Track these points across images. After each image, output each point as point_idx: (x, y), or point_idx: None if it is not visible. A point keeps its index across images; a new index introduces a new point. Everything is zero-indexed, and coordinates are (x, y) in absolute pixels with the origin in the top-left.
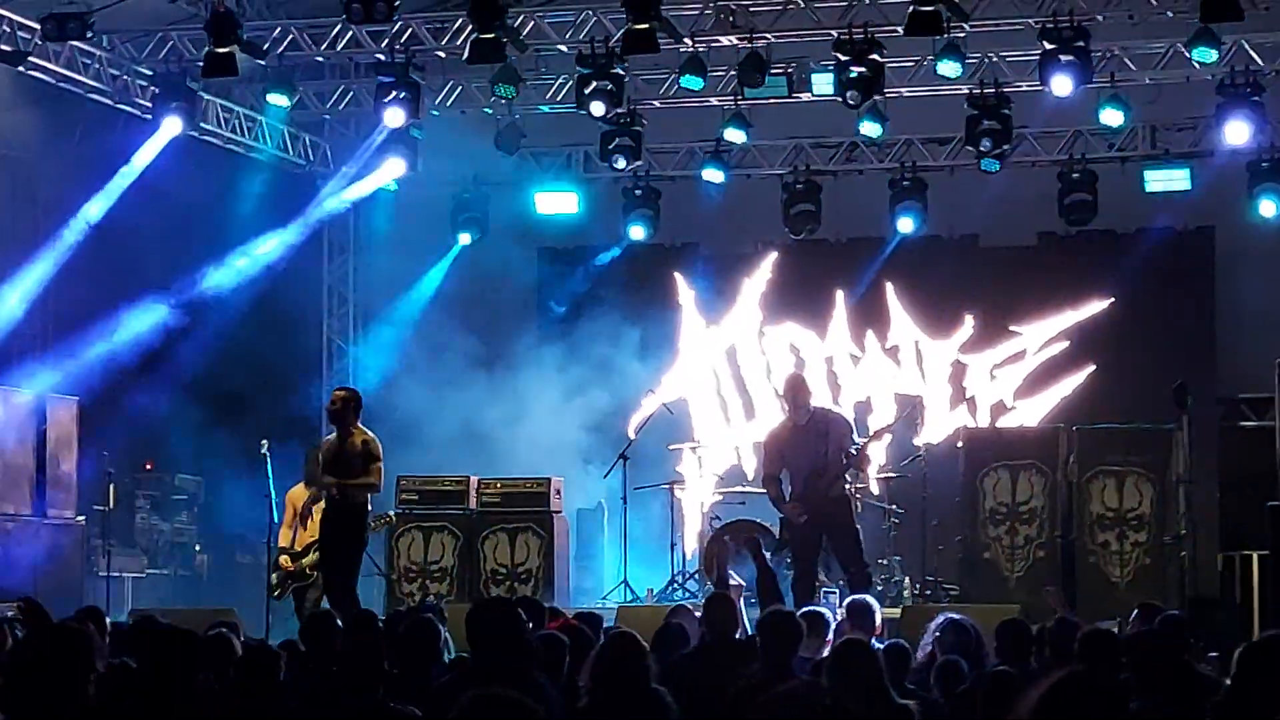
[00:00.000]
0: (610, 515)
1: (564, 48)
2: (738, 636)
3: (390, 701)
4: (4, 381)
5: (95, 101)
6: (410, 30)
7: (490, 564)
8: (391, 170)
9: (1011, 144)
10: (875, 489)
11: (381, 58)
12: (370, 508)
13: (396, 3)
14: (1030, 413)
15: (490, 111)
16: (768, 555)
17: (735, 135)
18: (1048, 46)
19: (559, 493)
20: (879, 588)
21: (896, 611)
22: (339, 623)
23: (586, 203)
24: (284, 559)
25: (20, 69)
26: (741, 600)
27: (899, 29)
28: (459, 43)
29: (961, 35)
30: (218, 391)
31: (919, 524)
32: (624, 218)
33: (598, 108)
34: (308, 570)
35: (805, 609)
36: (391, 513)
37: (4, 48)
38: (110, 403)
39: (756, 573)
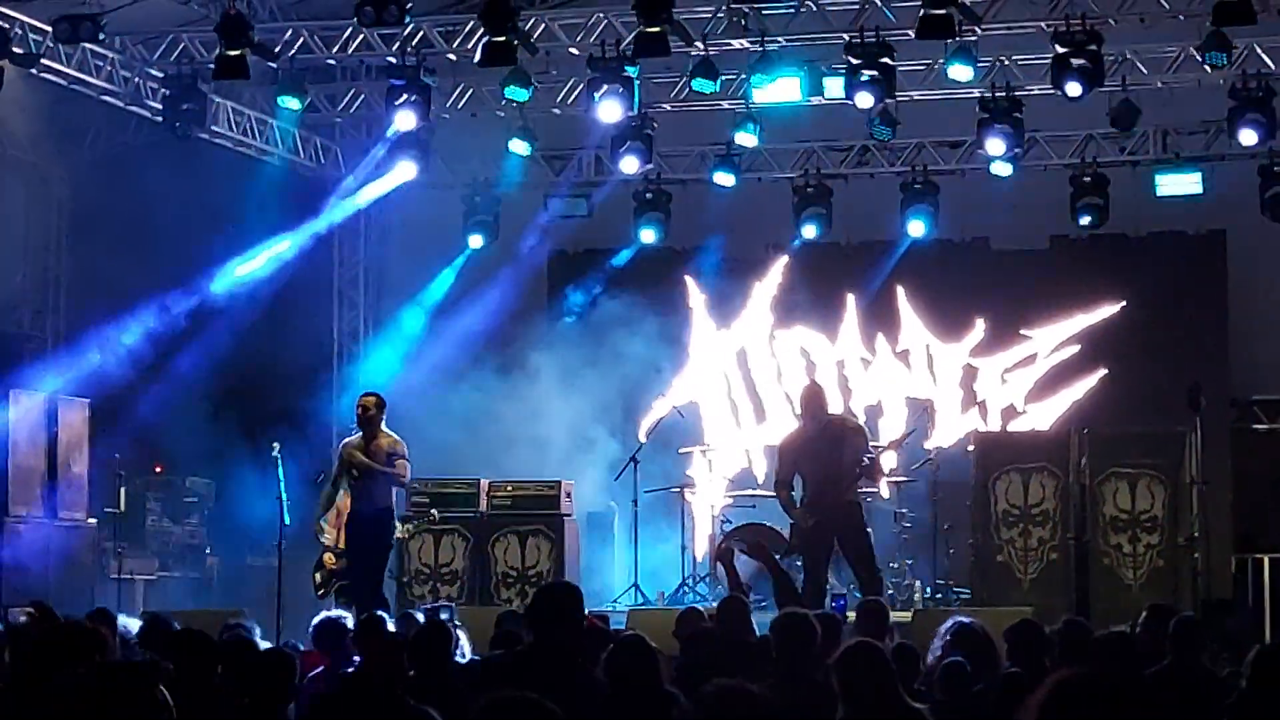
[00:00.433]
0: (621, 518)
1: (575, 50)
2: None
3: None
4: (15, 383)
5: (107, 103)
6: (421, 33)
7: (501, 566)
8: (402, 173)
9: (1023, 147)
10: (886, 493)
11: (393, 60)
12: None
13: (408, 5)
14: (1041, 416)
15: (502, 114)
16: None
17: (746, 138)
18: (1059, 50)
19: (569, 495)
20: (890, 591)
21: (908, 615)
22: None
23: (597, 206)
24: (328, 556)
25: (32, 71)
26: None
27: (910, 32)
28: (470, 46)
29: (973, 39)
30: (228, 394)
31: (930, 527)
32: (635, 221)
33: (609, 111)
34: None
35: (817, 613)
36: (435, 512)
37: (16, 50)
38: (121, 405)
39: (772, 579)
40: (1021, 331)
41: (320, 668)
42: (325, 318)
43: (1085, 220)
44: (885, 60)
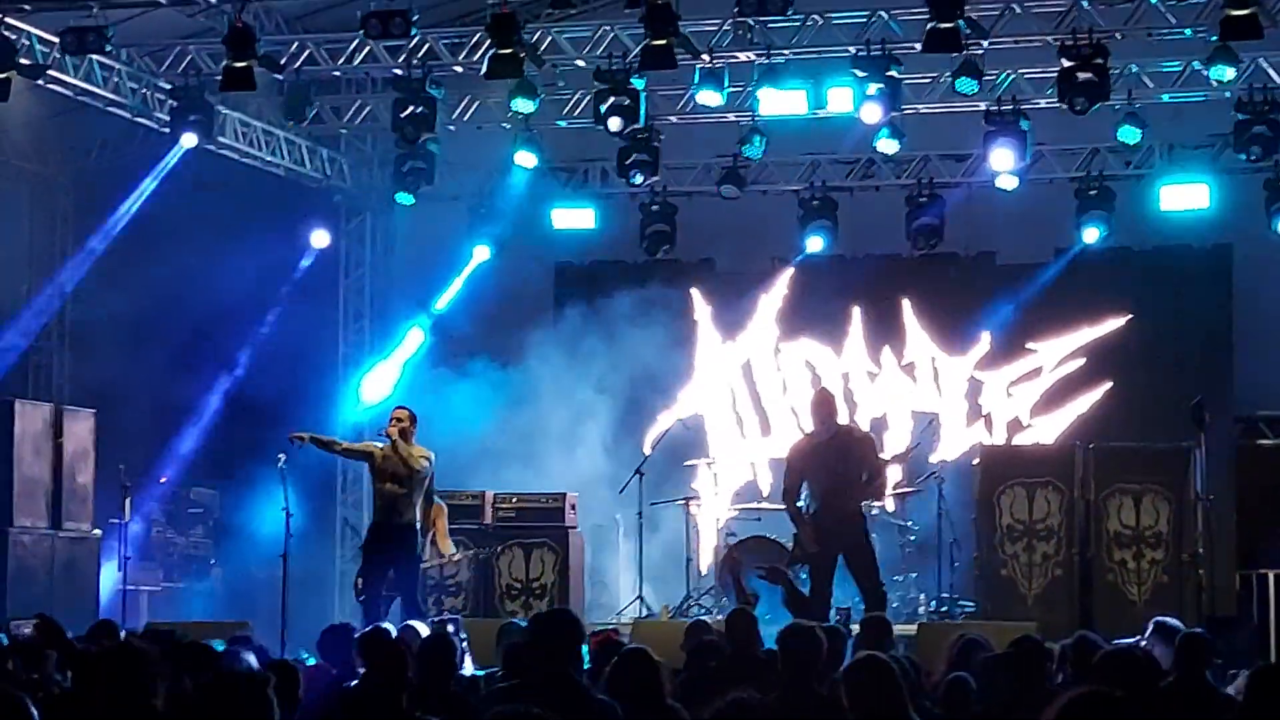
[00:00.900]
0: (625, 531)
1: (581, 63)
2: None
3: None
4: (21, 394)
5: (113, 115)
6: (428, 45)
7: (505, 579)
8: (408, 186)
9: (1029, 161)
10: (891, 506)
11: (399, 73)
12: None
13: (414, 18)
14: (1046, 430)
15: (508, 127)
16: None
17: (752, 151)
18: (1065, 64)
19: (574, 508)
20: (895, 604)
21: (912, 628)
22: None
23: (603, 218)
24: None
25: (39, 82)
26: None
27: (917, 45)
28: (476, 58)
29: (979, 52)
30: (234, 405)
31: (935, 541)
32: (641, 233)
33: (615, 123)
34: None
35: (824, 625)
36: (459, 555)
37: (23, 61)
38: (126, 415)
39: (785, 596)
40: (1027, 345)
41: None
42: (331, 328)
43: (1091, 234)
44: (891, 73)
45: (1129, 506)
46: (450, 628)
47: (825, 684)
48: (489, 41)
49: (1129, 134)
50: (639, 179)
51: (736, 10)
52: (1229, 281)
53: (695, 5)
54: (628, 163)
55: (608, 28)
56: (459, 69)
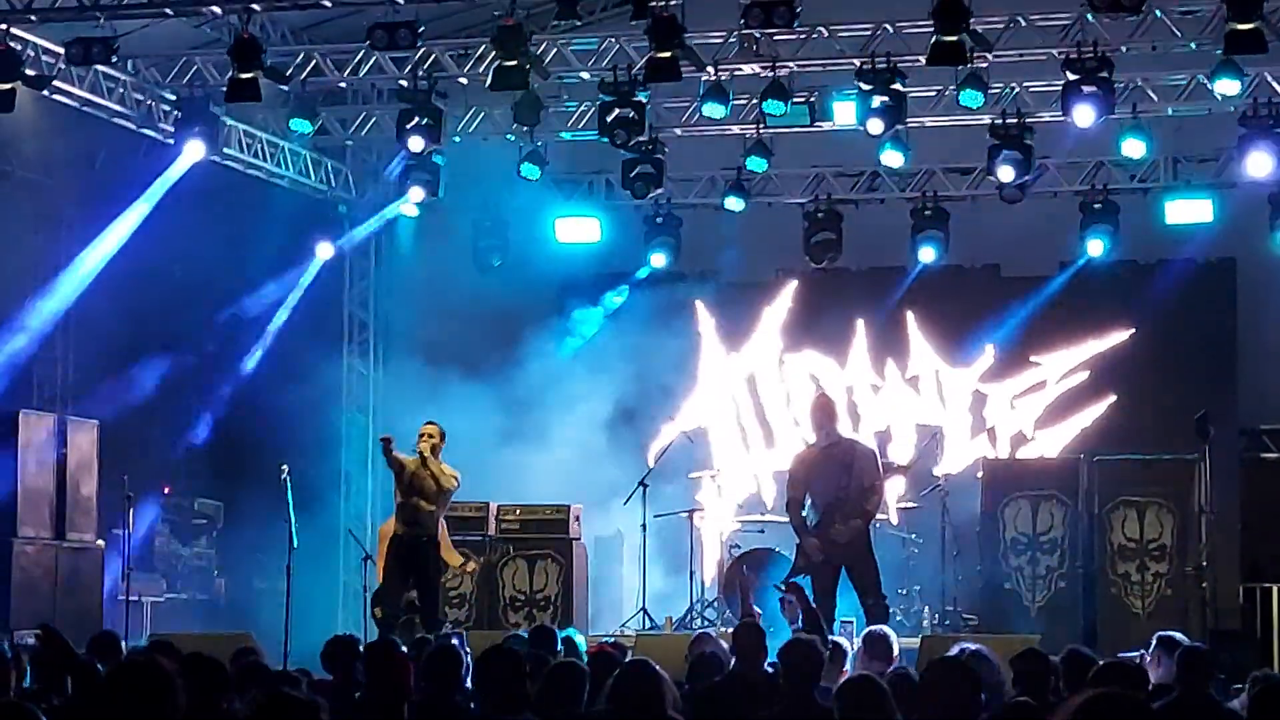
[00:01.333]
0: (629, 543)
1: (586, 75)
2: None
3: None
4: (25, 405)
5: (119, 126)
6: (433, 57)
7: (509, 590)
8: (413, 197)
9: (1033, 174)
10: (895, 519)
11: (404, 84)
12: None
13: (420, 29)
14: (1050, 443)
15: (513, 138)
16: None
17: (757, 164)
18: (1070, 77)
19: (578, 520)
20: (898, 617)
21: (916, 641)
22: (360, 648)
23: (608, 230)
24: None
25: (44, 93)
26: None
27: (921, 58)
28: (482, 70)
29: (984, 65)
30: (237, 416)
31: (939, 554)
32: (645, 245)
33: (620, 135)
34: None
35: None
36: (472, 564)
37: (28, 72)
38: (130, 427)
39: (803, 615)
40: (1031, 358)
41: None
42: (335, 340)
43: (1095, 247)
44: (896, 86)
45: (1133, 519)
46: (454, 641)
47: (828, 698)
48: (494, 53)
49: (1134, 147)
50: (644, 191)
51: (742, 23)
52: (1233, 295)
53: (700, 18)
54: (632, 175)
55: (613, 40)
56: (464, 80)
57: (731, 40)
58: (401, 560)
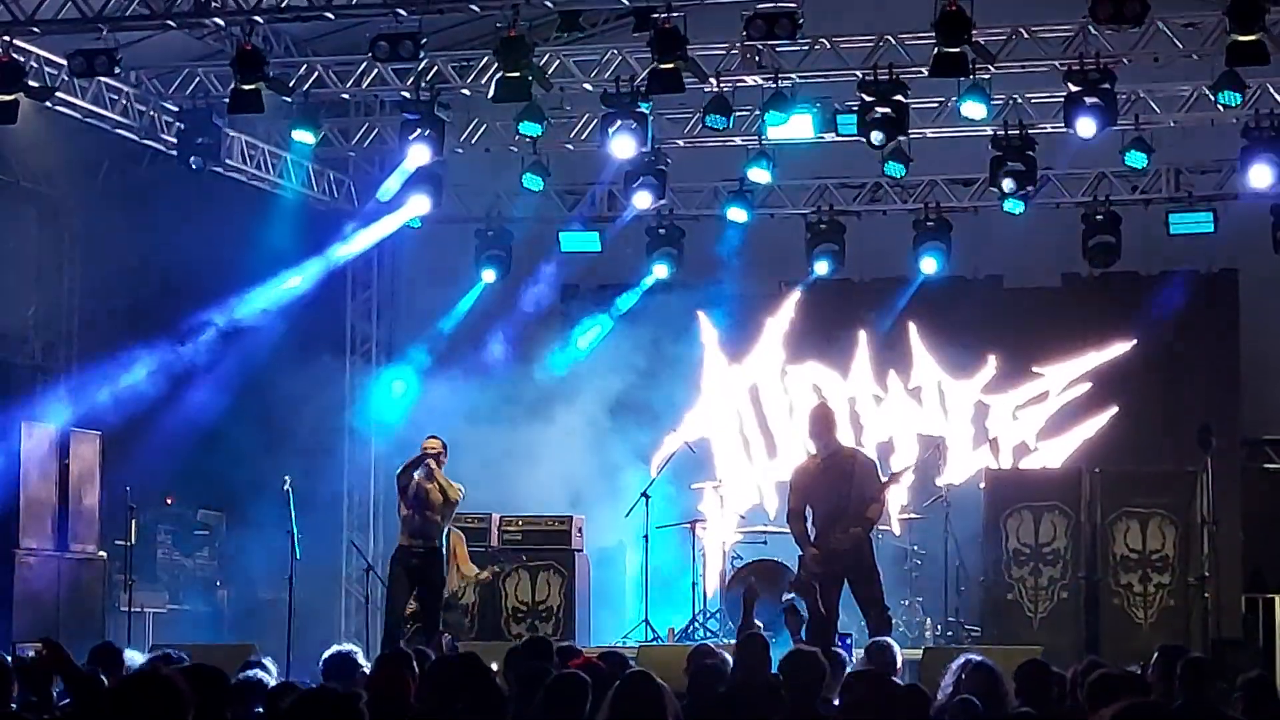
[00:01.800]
0: (631, 554)
1: (589, 86)
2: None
3: None
4: (27, 415)
5: (121, 137)
6: (436, 68)
7: (511, 602)
8: (416, 207)
9: (1036, 186)
10: (898, 530)
11: (407, 95)
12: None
13: (423, 41)
14: (1053, 454)
15: (515, 149)
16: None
17: (759, 175)
18: (1072, 89)
19: (580, 531)
20: (900, 628)
21: (918, 652)
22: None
23: (610, 241)
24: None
25: (47, 104)
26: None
27: (924, 70)
28: (484, 81)
29: (987, 77)
30: (240, 426)
31: (941, 565)
32: (647, 256)
33: (622, 146)
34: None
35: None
36: (486, 574)
37: (31, 83)
38: (132, 437)
39: (808, 621)
40: (1033, 369)
41: None
42: (338, 351)
43: (1097, 259)
44: (898, 98)
45: (1135, 530)
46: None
47: (829, 709)
48: (497, 64)
49: (1136, 159)
50: (646, 202)
51: (744, 34)
52: (1235, 306)
53: (703, 29)
54: (635, 185)
55: (615, 51)
56: (467, 92)
57: (734, 52)
58: (409, 570)
